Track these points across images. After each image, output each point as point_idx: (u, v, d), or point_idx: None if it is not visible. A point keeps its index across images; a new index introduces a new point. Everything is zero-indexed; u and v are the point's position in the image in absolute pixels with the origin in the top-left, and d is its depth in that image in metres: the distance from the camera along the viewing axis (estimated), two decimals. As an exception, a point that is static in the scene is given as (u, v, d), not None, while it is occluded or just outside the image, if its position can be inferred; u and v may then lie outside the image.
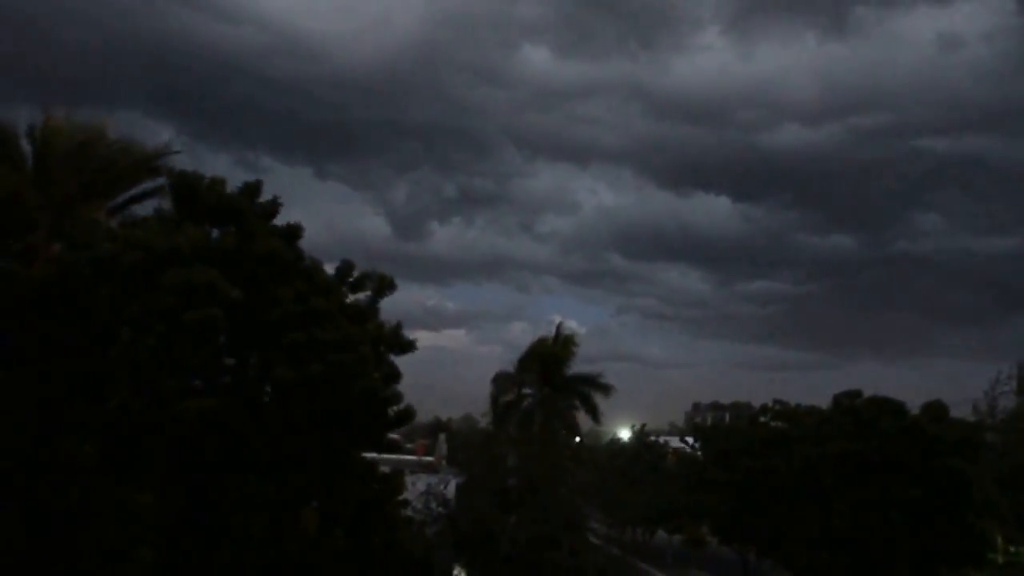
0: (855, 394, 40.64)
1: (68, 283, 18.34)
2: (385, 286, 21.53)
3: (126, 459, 18.29)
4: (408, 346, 21.18)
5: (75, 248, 18.69)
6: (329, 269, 21.24)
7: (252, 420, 18.95)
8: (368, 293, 21.45)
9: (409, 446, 54.39)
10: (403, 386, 21.10)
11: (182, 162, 22.21)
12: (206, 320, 17.68)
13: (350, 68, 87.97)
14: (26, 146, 21.57)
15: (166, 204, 20.34)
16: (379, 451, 23.70)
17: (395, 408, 21.08)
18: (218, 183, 19.80)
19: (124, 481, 18.11)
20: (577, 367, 46.93)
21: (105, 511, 17.71)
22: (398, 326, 21.27)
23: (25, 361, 18.23)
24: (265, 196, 20.47)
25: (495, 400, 44.84)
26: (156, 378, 18.17)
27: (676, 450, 67.95)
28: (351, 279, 21.30)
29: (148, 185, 21.84)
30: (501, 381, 46.18)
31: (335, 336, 18.66)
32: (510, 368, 46.39)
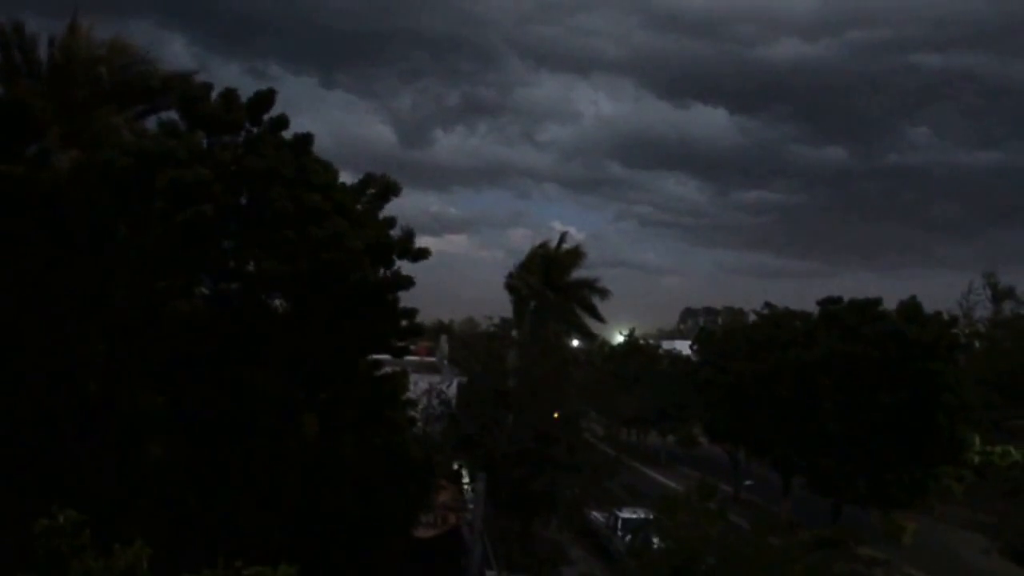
0: (837, 300, 40.39)
1: (76, 187, 17.94)
2: (389, 190, 20.97)
3: (130, 357, 18.11)
4: (420, 254, 20.67)
5: (86, 153, 18.24)
6: (344, 177, 20.78)
7: (253, 318, 18.66)
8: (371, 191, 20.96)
9: (411, 347, 54.38)
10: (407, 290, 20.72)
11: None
12: (197, 217, 17.30)
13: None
14: (43, 55, 20.85)
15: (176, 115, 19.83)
16: (384, 353, 23.42)
17: (405, 321, 20.86)
18: (229, 94, 19.20)
19: (132, 379, 17.99)
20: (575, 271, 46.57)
21: (116, 409, 17.63)
22: (410, 233, 20.74)
23: (34, 263, 17.93)
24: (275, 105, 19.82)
25: (515, 297, 44.36)
26: (152, 278, 17.86)
27: (668, 351, 68.21)
28: (375, 182, 20.80)
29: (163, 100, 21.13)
30: (511, 282, 45.85)
31: (327, 234, 18.16)
32: (512, 271, 46.04)
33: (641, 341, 68.58)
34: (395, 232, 20.59)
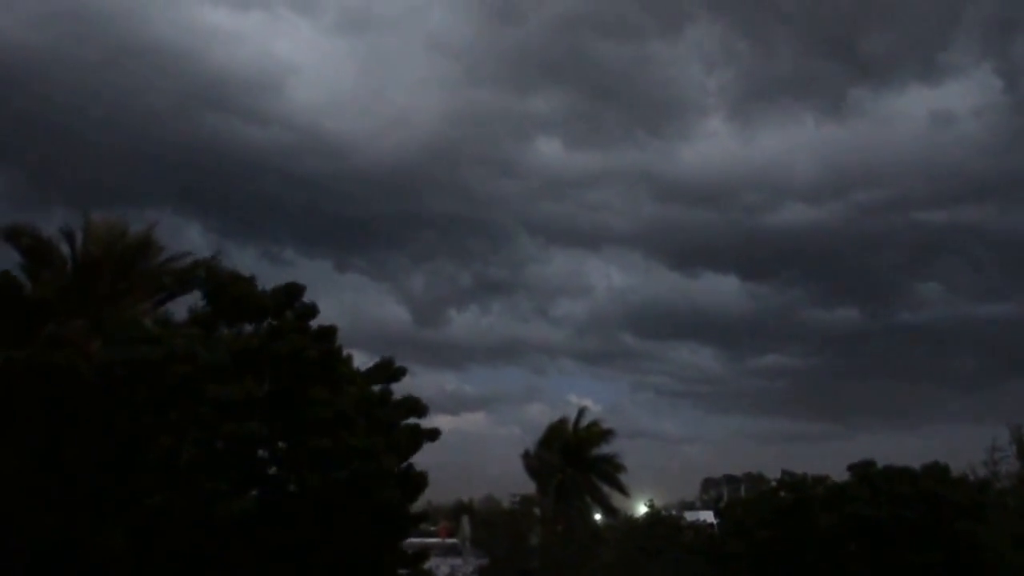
0: (869, 463, 39.98)
1: (105, 380, 18.19)
2: (396, 374, 21.40)
3: (164, 555, 17.96)
4: (432, 435, 20.97)
5: (113, 346, 18.57)
6: (359, 359, 21.20)
7: (283, 521, 18.69)
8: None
9: (432, 528, 53.28)
10: (424, 468, 21.11)
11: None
12: (244, 434, 17.78)
13: (371, 164, 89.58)
14: (64, 248, 21.47)
15: (200, 301, 20.37)
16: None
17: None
18: (248, 282, 19.81)
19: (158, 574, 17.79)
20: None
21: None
22: (421, 410, 20.98)
23: (57, 450, 18.01)
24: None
25: (538, 475, 43.90)
26: (194, 481, 17.96)
27: (692, 523, 66.47)
28: (390, 370, 21.18)
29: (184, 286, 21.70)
30: (531, 461, 45.51)
31: (360, 444, 18.50)
32: (530, 448, 45.77)
33: (663, 512, 67.02)
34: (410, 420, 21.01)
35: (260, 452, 19.69)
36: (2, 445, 17.75)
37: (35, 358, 17.29)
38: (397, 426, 20.51)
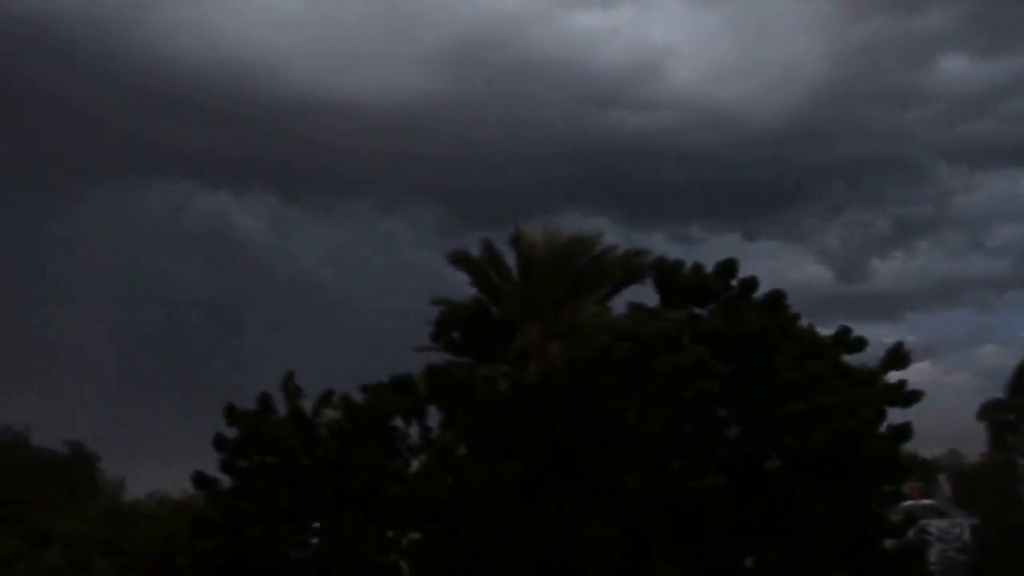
0: None
1: (567, 379, 18.81)
2: (898, 360, 19.72)
3: (643, 538, 18.21)
4: (913, 397, 19.15)
5: (571, 345, 19.18)
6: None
7: (758, 491, 18.12)
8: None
9: (904, 491, 49.87)
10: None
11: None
12: (701, 394, 17.40)
13: (763, 126, 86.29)
14: (510, 259, 22.51)
15: (641, 292, 20.53)
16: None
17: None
18: (697, 268, 19.63)
19: (646, 559, 18.05)
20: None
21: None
22: (902, 382, 19.44)
23: (519, 457, 18.88)
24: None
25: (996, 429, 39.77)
26: (663, 459, 17.99)
27: None
28: (847, 341, 19.76)
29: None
30: (989, 410, 41.12)
31: (836, 401, 17.40)
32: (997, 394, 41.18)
33: None
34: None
35: (726, 431, 19.31)
36: (499, 458, 18.90)
37: (510, 376, 18.38)
38: (873, 383, 19.08)
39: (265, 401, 21.27)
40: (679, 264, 19.95)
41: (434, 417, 20.83)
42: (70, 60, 73.77)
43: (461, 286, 21.87)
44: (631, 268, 21.08)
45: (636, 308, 20.21)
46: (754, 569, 18.13)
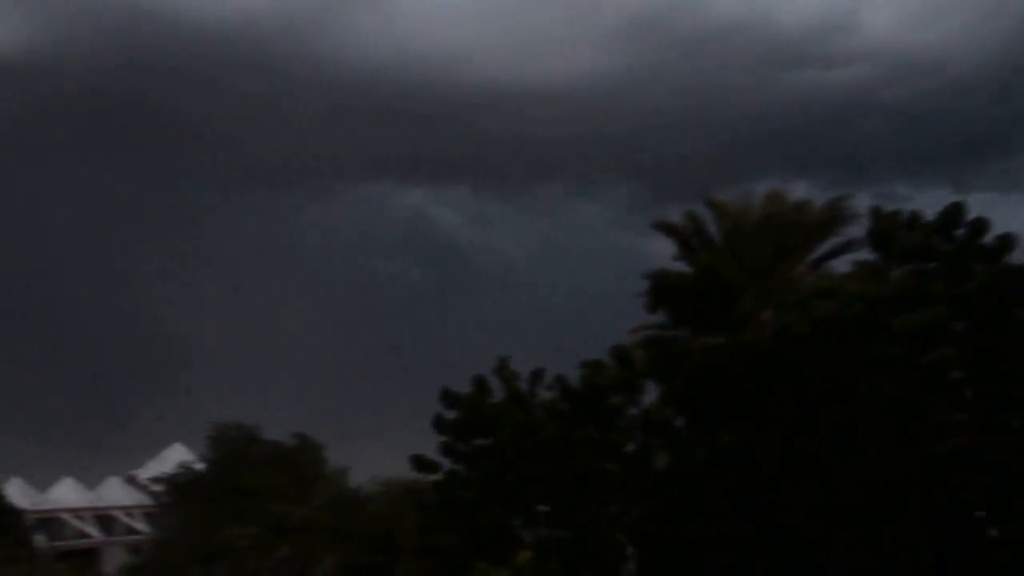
0: None
1: (784, 344, 18.06)
2: None
3: (880, 504, 17.34)
4: None
5: (787, 309, 18.39)
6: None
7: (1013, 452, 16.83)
8: None
9: None
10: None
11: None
12: (940, 360, 16.66)
13: (968, 71, 79.91)
14: (712, 228, 21.89)
15: (862, 254, 19.40)
16: None
17: None
18: (917, 218, 18.31)
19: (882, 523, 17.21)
20: None
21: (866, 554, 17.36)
22: None
23: (739, 428, 18.28)
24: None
25: None
26: (900, 423, 17.02)
27: None
28: None
29: (838, 240, 20.85)
30: None
31: None
32: None
33: None
34: None
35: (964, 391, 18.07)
36: (717, 431, 18.46)
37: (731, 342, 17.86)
38: None
39: (480, 383, 21.60)
40: (895, 214, 18.53)
41: (650, 393, 20.58)
42: (267, 69, 77.95)
43: (655, 265, 21.47)
44: (834, 218, 20.11)
45: (860, 266, 19.07)
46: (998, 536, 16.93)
